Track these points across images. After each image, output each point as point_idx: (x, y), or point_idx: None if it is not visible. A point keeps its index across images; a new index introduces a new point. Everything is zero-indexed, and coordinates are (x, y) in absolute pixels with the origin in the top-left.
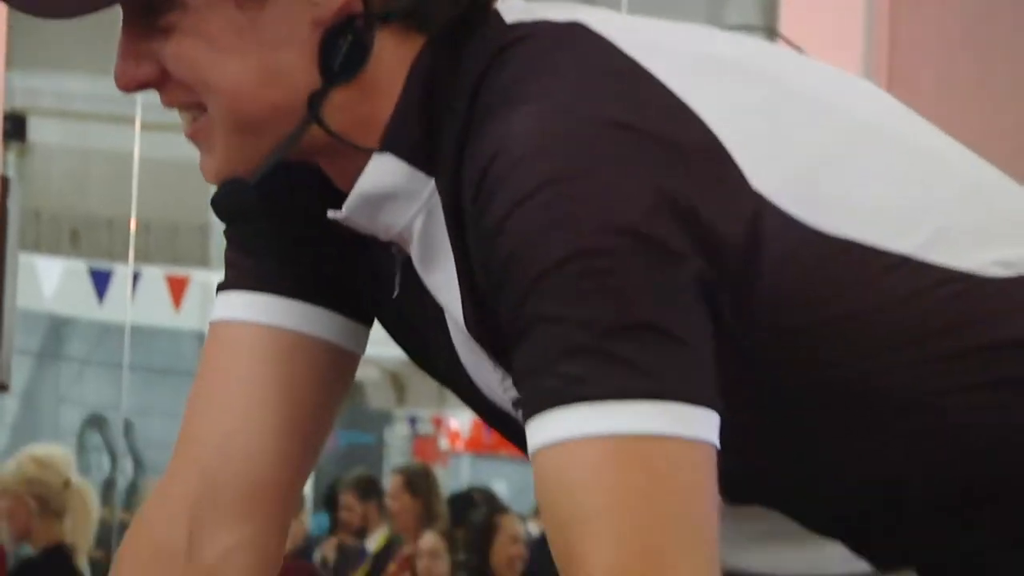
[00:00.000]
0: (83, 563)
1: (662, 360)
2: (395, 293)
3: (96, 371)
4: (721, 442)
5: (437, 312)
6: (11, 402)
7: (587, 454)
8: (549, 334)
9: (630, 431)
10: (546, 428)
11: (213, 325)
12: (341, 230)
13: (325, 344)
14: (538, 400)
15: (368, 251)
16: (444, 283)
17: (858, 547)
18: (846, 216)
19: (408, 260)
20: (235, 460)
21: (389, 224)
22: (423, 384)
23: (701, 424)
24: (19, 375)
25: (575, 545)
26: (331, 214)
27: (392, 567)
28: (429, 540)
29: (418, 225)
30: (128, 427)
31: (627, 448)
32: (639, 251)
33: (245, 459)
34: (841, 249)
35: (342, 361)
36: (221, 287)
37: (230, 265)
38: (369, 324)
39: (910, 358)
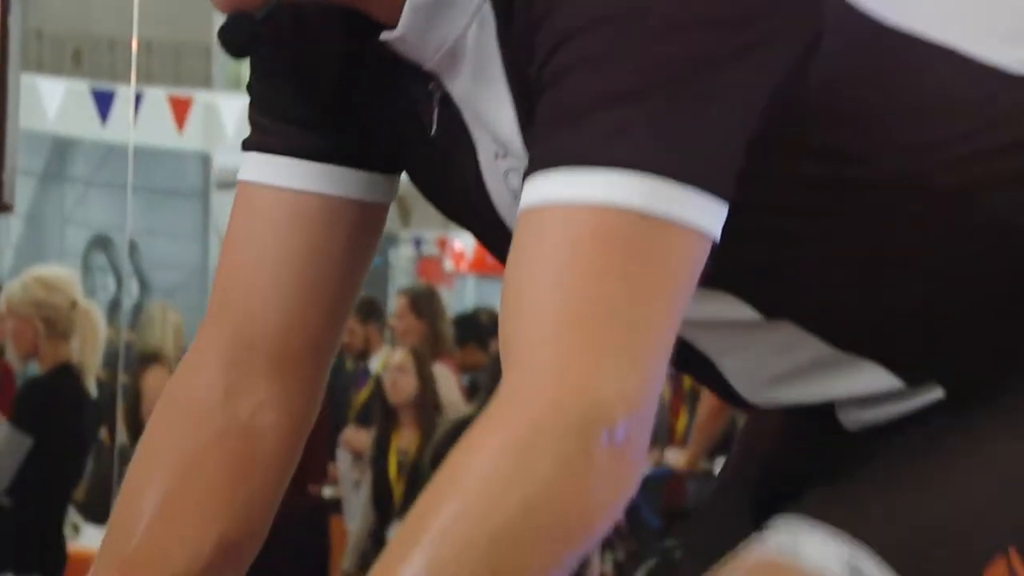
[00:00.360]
0: (90, 383)
1: (672, 135)
2: (432, 130)
3: (100, 192)
4: (756, 256)
5: (469, 147)
6: (16, 223)
7: (557, 220)
8: (559, 97)
9: (609, 202)
10: (529, 191)
11: (240, 185)
12: (368, 76)
13: (351, 203)
14: (532, 164)
15: (396, 94)
16: (492, 99)
17: (890, 364)
18: (907, 7)
19: (443, 98)
20: (267, 324)
21: (442, 38)
22: (428, 206)
23: (697, 209)
24: (23, 196)
25: (519, 313)
26: (384, 36)
27: None
28: (398, 356)
29: (472, 35)
30: (133, 248)
31: (600, 220)
32: (677, 24)
33: (276, 322)
34: (902, 41)
35: (371, 215)
36: (246, 146)
37: (255, 125)
38: (397, 171)
39: (954, 154)
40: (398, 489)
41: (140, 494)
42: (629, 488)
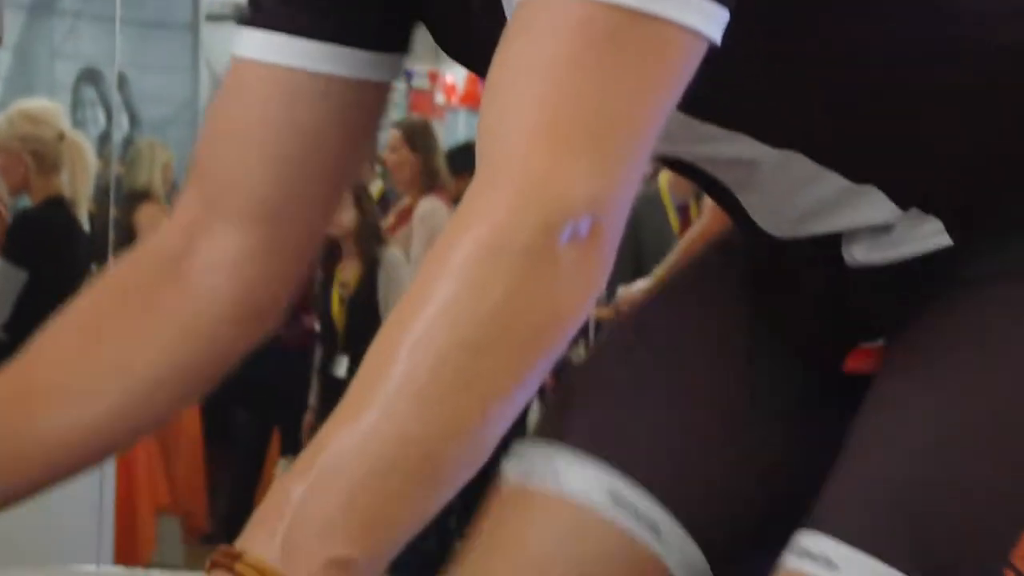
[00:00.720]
0: (82, 215)
1: None
2: None
3: (89, 25)
4: (778, 90)
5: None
6: (5, 56)
7: (545, 12)
8: None
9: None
10: None
11: (233, 62)
12: None
13: (346, 81)
14: None
15: None
16: None
17: (891, 190)
18: None
19: None
20: (240, 192)
21: None
22: (419, 39)
23: (685, 7)
24: (11, 29)
25: (496, 103)
26: None
27: (391, 219)
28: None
29: None
30: (122, 81)
31: (586, 13)
32: None
33: (250, 192)
34: None
35: (368, 94)
36: (242, 22)
37: (252, 3)
38: (403, 50)
39: (989, 8)
40: (340, 322)
41: (71, 315)
42: (596, 284)
